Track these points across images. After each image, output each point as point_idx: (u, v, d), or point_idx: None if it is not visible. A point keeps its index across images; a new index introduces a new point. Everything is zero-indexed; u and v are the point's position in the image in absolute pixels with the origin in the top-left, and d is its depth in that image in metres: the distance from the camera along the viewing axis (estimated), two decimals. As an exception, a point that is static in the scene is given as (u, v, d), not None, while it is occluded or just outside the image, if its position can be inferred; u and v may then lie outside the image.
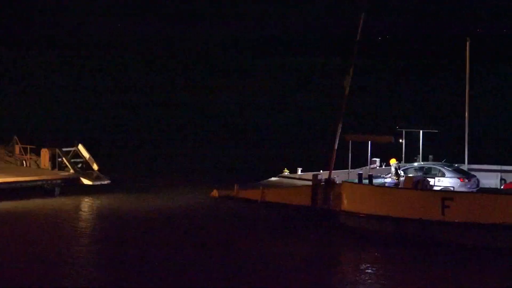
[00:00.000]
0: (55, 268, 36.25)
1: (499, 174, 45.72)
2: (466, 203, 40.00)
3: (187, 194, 53.16)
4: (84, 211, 50.13)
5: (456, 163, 46.03)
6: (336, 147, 44.06)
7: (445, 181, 43.93)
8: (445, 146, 51.22)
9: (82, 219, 47.27)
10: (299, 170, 46.15)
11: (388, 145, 44.69)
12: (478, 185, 44.78)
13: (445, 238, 40.25)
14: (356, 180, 43.03)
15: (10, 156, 60.75)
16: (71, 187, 54.47)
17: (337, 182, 43.40)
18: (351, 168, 45.27)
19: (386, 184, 44.00)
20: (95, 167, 56.04)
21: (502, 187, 44.73)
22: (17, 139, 59.35)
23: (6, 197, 51.70)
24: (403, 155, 46.32)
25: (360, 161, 46.44)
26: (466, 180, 44.16)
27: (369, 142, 44.58)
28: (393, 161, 45.46)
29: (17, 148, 59.18)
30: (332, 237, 42.77)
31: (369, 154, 44.37)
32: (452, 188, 43.28)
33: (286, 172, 47.50)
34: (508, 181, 44.90)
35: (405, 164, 45.65)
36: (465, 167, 45.25)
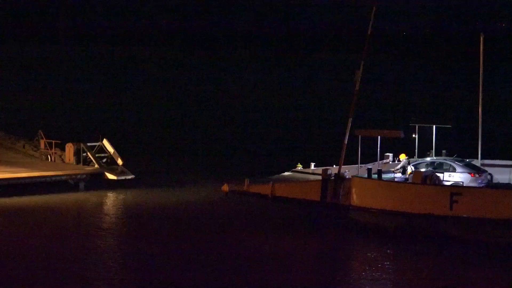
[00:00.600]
0: (79, 264, 36.23)
1: (511, 169, 45.42)
2: (474, 198, 40.02)
3: (207, 189, 53.17)
4: (108, 206, 50.19)
5: (468, 158, 45.86)
6: (346, 142, 44.06)
7: (455, 176, 43.77)
8: (461, 142, 50.78)
9: (106, 214, 47.30)
10: (312, 165, 46.01)
11: (400, 140, 44.44)
12: (491, 180, 44.54)
13: (453, 233, 40.33)
14: (366, 175, 42.97)
15: (35, 151, 61.01)
16: (96, 181, 54.57)
17: (347, 177, 43.39)
18: (363, 164, 45.12)
19: (396, 179, 43.95)
20: (119, 162, 56.10)
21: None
22: (42, 133, 59.54)
23: (31, 191, 51.87)
24: (416, 150, 46.16)
25: (373, 156, 46.23)
26: (477, 175, 43.90)
27: (379, 137, 44.38)
28: (402, 157, 45.47)
29: (42, 143, 59.40)
30: (341, 232, 42.74)
31: (378, 149, 44.23)
32: (461, 183, 43.05)
33: (300, 167, 47.34)
34: (496, 177, 44.67)
35: (417, 159, 45.50)
36: (478, 162, 45.00)
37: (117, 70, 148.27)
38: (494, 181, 44.71)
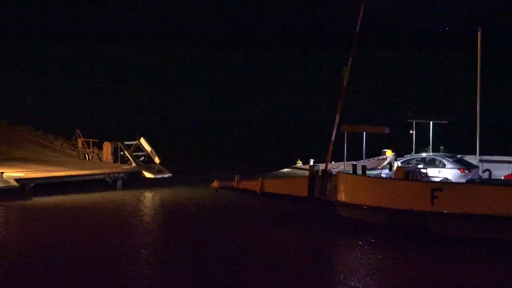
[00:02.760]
0: (116, 265, 36.31)
1: (510, 165, 45.20)
2: (455, 194, 40.02)
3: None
4: (145, 205, 50.33)
5: (460, 154, 45.78)
6: (333, 139, 44.32)
7: (445, 172, 43.85)
8: (462, 137, 50.41)
9: (143, 214, 47.39)
10: (311, 161, 46.12)
11: (386, 135, 44.41)
12: (490, 176, 44.44)
13: (435, 228, 40.43)
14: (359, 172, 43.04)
15: (73, 150, 61.41)
16: (133, 180, 54.79)
17: (334, 173, 43.61)
18: (359, 160, 45.26)
19: (383, 175, 44.01)
20: (156, 160, 56.27)
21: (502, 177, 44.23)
22: (79, 132, 59.88)
23: (69, 190, 52.20)
24: (414, 146, 46.08)
25: (371, 152, 46.56)
26: (467, 171, 43.92)
27: (364, 133, 44.44)
28: (389, 153, 45.74)
29: (80, 142, 59.74)
30: (326, 228, 42.89)
31: (364, 145, 44.24)
32: (447, 180, 43.09)
33: (300, 163, 47.24)
34: (495, 173, 44.52)
35: (413, 155, 45.50)
36: (476, 158, 44.74)
37: (154, 70, 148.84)
38: (493, 177, 44.62)
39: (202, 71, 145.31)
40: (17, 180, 50.75)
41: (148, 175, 54.73)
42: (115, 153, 56.87)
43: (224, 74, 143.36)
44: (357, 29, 44.79)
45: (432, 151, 45.74)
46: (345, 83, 44.34)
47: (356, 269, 35.72)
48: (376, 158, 47.11)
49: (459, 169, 43.98)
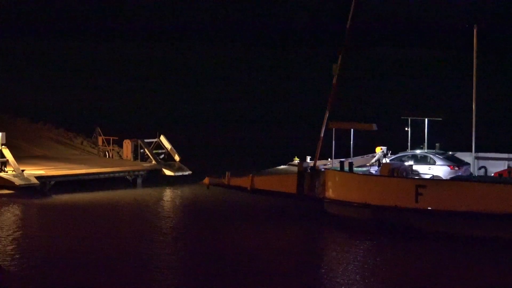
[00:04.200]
0: (136, 261, 36.30)
1: (506, 162, 45.06)
2: (438, 191, 40.19)
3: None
4: (166, 203, 50.31)
5: (456, 151, 45.72)
6: (322, 135, 44.39)
7: (435, 169, 43.88)
8: (459, 134, 49.98)
9: (164, 211, 47.39)
10: (308, 158, 45.98)
11: (373, 132, 44.43)
12: (485, 173, 44.20)
13: (419, 225, 40.51)
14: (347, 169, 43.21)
15: (93, 148, 61.50)
16: (153, 178, 54.81)
17: (322, 170, 43.74)
18: (354, 156, 45.69)
19: (372, 172, 44.01)
20: (176, 158, 56.27)
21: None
22: (99, 130, 59.96)
23: (89, 188, 52.25)
24: (409, 143, 46.03)
25: (367, 149, 46.91)
26: (456, 168, 43.86)
27: (352, 129, 44.53)
28: (378, 149, 45.74)
29: (100, 140, 59.81)
30: (313, 225, 43.09)
31: (351, 141, 44.34)
32: (432, 176, 43.15)
33: (296, 160, 47.15)
34: (489, 169, 44.28)
35: (407, 152, 45.45)
36: (472, 155, 44.46)
37: (173, 67, 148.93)
38: (489, 174, 44.45)
39: (221, 68, 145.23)
40: (38, 178, 50.88)
41: (168, 172, 54.72)
42: (135, 150, 56.92)
43: (243, 71, 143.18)
44: (348, 25, 44.74)
45: (428, 148, 45.71)
46: (334, 80, 44.46)
47: (341, 265, 35.82)
48: (370, 155, 47.04)
49: (449, 166, 43.93)
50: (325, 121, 44.45)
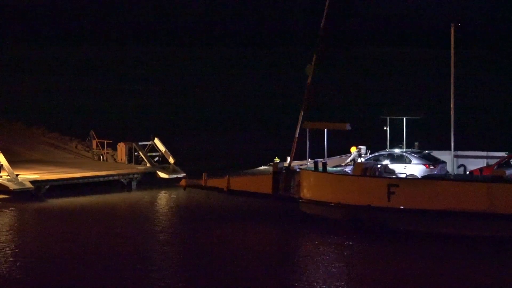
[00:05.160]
0: (134, 264, 36.33)
1: (485, 160, 45.26)
2: (410, 190, 40.32)
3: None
4: (160, 206, 50.36)
5: (435, 150, 45.85)
6: (297, 136, 44.54)
7: (410, 168, 43.98)
8: (442, 133, 50.19)
9: (158, 214, 47.42)
10: (288, 158, 46.19)
11: (346, 132, 44.56)
12: (465, 171, 44.35)
13: (392, 224, 40.64)
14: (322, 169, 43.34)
15: (87, 151, 61.52)
16: (148, 180, 54.82)
17: (297, 170, 43.88)
18: (335, 156, 46.10)
19: (346, 172, 44.17)
20: (171, 160, 56.31)
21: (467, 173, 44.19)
22: (94, 134, 59.97)
23: (84, 191, 52.27)
24: (388, 142, 46.14)
25: (347, 149, 47.01)
26: (432, 167, 43.95)
27: (326, 129, 44.64)
28: (353, 149, 46.03)
29: (94, 143, 59.85)
30: (288, 225, 43.30)
31: (325, 142, 44.46)
32: (405, 175, 43.26)
33: (277, 161, 47.24)
34: (468, 168, 44.39)
35: (385, 151, 45.61)
36: (451, 153, 44.50)
37: (168, 70, 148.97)
38: (468, 172, 44.64)
39: (217, 71, 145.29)
40: (32, 182, 50.89)
41: (162, 175, 54.78)
42: (129, 153, 56.95)
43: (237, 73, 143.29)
44: (322, 25, 44.83)
45: (407, 147, 45.85)
46: (309, 80, 44.64)
47: (315, 264, 35.91)
48: (348, 155, 47.17)
49: (424, 164, 44.03)
50: (299, 121, 44.68)
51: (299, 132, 44.45)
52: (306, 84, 44.74)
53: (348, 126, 43.90)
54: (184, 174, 54.96)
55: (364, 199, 41.15)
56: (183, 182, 48.42)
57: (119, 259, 36.73)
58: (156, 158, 56.84)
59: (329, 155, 45.77)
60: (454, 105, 43.72)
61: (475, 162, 45.06)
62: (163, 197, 52.05)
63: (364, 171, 42.28)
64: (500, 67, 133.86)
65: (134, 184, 54.55)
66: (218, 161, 62.64)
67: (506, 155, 44.46)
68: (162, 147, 57.03)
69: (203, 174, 47.18)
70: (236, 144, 72.65)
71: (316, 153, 45.46)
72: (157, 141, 57.30)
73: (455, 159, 44.78)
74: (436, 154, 45.78)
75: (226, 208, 47.57)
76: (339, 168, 45.06)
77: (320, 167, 42.97)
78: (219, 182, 46.48)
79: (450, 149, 44.24)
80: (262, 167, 48.04)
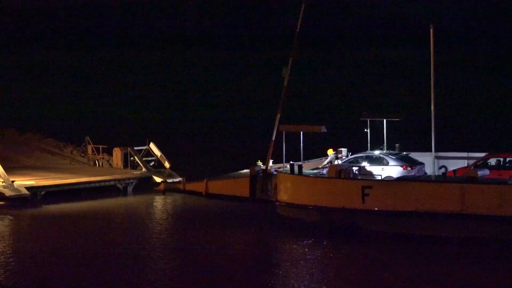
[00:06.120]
0: (131, 269, 36.27)
1: (466, 161, 45.44)
2: (384, 191, 40.42)
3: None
4: (156, 210, 50.27)
5: (406, 151, 45.95)
6: (273, 139, 44.80)
7: (388, 170, 44.04)
8: (423, 134, 50.37)
9: (154, 219, 47.31)
10: (270, 161, 46.23)
11: (322, 134, 44.49)
12: (445, 172, 44.37)
13: (366, 226, 40.77)
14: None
15: (83, 157, 61.43)
16: (144, 185, 54.74)
17: (274, 173, 44.10)
18: (315, 158, 46.31)
19: (323, 174, 44.17)
20: (167, 165, 56.26)
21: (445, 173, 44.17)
22: (89, 139, 59.90)
23: (80, 197, 52.18)
24: (369, 144, 46.22)
25: (323, 152, 47.28)
26: (409, 168, 44.05)
27: (301, 132, 44.62)
28: (330, 152, 46.14)
29: (89, 148, 59.76)
30: (264, 228, 43.46)
31: (301, 144, 44.44)
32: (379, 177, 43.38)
33: (260, 164, 47.29)
34: (450, 169, 44.43)
35: (356, 154, 45.79)
36: (432, 155, 44.48)
37: (163, 74, 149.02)
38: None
39: (211, 73, 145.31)
40: (28, 188, 50.80)
41: (158, 180, 54.70)
42: (125, 158, 56.88)
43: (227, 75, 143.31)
44: (297, 29, 45.08)
45: (387, 149, 45.92)
46: (285, 83, 44.83)
47: (292, 266, 36.11)
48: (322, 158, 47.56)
49: (401, 166, 44.08)
50: (276, 124, 44.84)
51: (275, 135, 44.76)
52: (282, 87, 45.00)
53: (323, 129, 43.92)
54: (180, 179, 54.84)
55: (338, 201, 41.28)
56: (161, 186, 49.06)
57: (114, 265, 36.69)
58: (152, 163, 56.81)
59: (312, 158, 45.97)
60: (435, 106, 43.83)
61: (456, 163, 45.20)
62: (158, 202, 51.91)
63: (339, 173, 42.32)
64: (481, 68, 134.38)
65: (130, 189, 54.49)
66: (213, 164, 62.65)
67: (483, 156, 44.69)
68: (157, 152, 56.98)
69: (182, 178, 47.79)
70: (233, 147, 72.67)
71: (300, 156, 45.40)
72: (152, 146, 57.26)
73: (436, 160, 44.81)
74: (417, 155, 45.88)
75: (203, 211, 47.84)
76: (315, 171, 45.22)
77: (296, 170, 43.11)
78: (198, 186, 46.92)
79: (431, 151, 44.38)
80: (245, 170, 48.04)
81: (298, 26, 45.03)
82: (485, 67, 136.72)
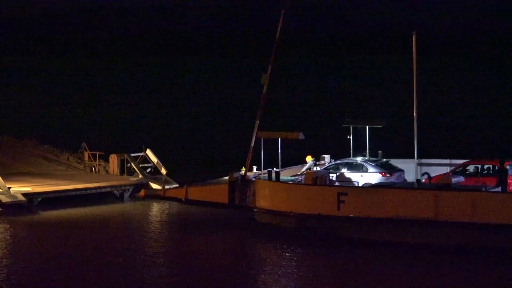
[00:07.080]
0: (123, 274, 36.25)
1: (448, 168, 45.62)
2: (359, 198, 40.59)
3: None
4: (153, 217, 50.23)
5: (385, 158, 46.05)
6: (252, 145, 45.02)
7: (367, 176, 44.18)
8: (406, 141, 50.52)
9: (150, 225, 47.28)
10: (254, 168, 46.31)
11: (299, 141, 44.77)
12: (429, 179, 44.21)
13: (342, 233, 40.90)
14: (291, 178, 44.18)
15: (79, 163, 61.41)
16: (140, 192, 54.64)
17: (253, 179, 44.34)
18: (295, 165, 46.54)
19: (301, 181, 44.35)
20: (163, 171, 56.24)
21: (423, 181, 43.96)
22: (85, 145, 59.88)
23: (77, 203, 52.14)
24: (351, 151, 46.35)
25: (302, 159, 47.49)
26: (388, 175, 44.21)
27: (279, 139, 44.89)
28: (309, 158, 46.31)
29: (86, 155, 59.76)
30: (242, 234, 43.68)
31: (279, 151, 44.65)
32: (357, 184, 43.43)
33: (243, 171, 47.36)
34: (432, 175, 44.30)
35: (337, 160, 45.97)
36: (415, 161, 44.65)
37: (159, 81, 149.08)
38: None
39: (210, 81, 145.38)
40: (24, 194, 50.76)
41: (155, 186, 54.66)
42: (121, 165, 56.88)
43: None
44: (277, 35, 45.22)
45: (371, 156, 45.98)
46: (264, 90, 45.01)
47: (270, 273, 36.09)
48: (318, 162, 47.52)
49: (380, 173, 44.23)
50: (255, 131, 45.02)
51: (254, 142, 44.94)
52: (261, 94, 45.17)
53: (301, 136, 44.16)
54: (177, 185, 54.86)
55: (315, 208, 41.48)
56: (141, 193, 49.60)
57: (110, 272, 36.63)
58: (148, 169, 56.81)
59: (292, 164, 46.06)
60: (417, 113, 43.93)
61: (439, 169, 45.34)
62: (154, 208, 51.88)
63: (315, 180, 42.47)
64: (463, 74, 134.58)
65: (126, 195, 54.48)
66: (208, 170, 62.68)
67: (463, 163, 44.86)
68: (154, 158, 56.97)
69: (163, 184, 48.61)
70: (231, 152, 72.66)
71: (284, 162, 45.75)
72: (149, 153, 57.25)
73: (418, 167, 44.91)
74: (399, 162, 46.05)
75: (181, 218, 48.32)
76: (293, 177, 45.37)
77: (274, 177, 43.20)
78: (178, 192, 47.34)
79: (414, 157, 44.38)
80: (226, 177, 48.18)
81: (278, 33, 45.19)
82: (469, 73, 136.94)
